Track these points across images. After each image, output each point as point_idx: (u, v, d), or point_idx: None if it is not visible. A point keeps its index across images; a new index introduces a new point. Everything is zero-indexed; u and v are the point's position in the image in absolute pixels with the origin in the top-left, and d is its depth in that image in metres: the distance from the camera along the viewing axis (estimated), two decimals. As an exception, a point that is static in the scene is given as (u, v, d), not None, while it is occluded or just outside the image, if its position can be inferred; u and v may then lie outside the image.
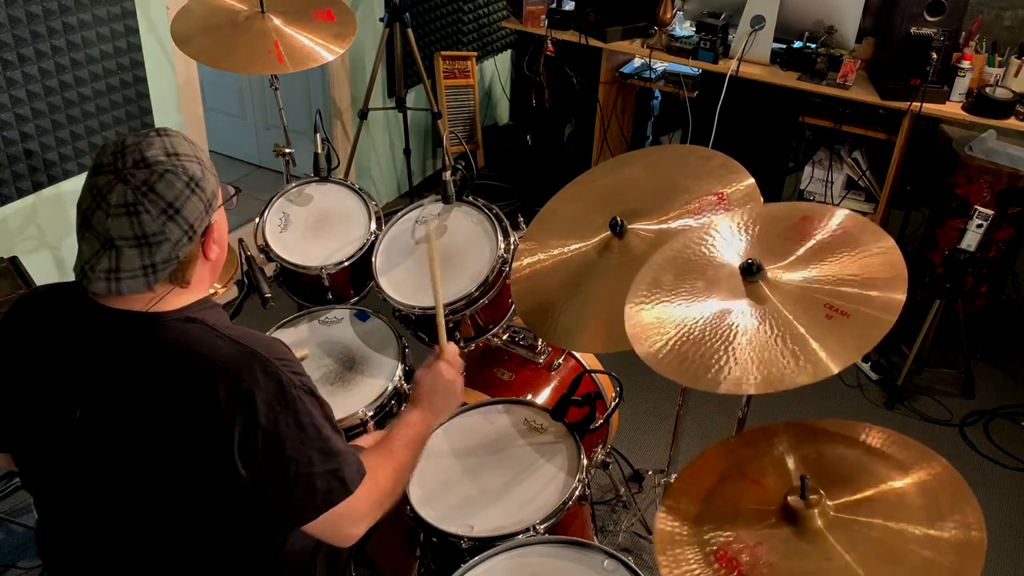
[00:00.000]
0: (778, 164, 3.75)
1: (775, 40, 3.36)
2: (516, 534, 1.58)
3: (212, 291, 2.32)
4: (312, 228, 2.29)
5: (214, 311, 1.31)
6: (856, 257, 1.48)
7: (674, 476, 2.03)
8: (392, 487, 1.41)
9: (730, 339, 1.43)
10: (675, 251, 1.65)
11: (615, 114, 3.98)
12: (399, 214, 2.24)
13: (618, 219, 1.83)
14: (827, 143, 3.60)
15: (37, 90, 2.49)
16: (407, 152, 3.89)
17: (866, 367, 3.21)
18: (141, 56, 2.77)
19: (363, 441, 1.78)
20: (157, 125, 2.87)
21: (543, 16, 3.87)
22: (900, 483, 1.37)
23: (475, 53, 4.25)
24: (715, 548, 1.33)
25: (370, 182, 4.13)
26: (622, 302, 1.58)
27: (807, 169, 3.62)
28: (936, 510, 1.30)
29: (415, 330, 2.15)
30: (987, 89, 3.05)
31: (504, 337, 2.29)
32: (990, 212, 2.82)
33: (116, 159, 1.19)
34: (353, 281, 2.29)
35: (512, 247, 2.07)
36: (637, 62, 3.97)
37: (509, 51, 4.70)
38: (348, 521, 1.32)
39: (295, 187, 2.37)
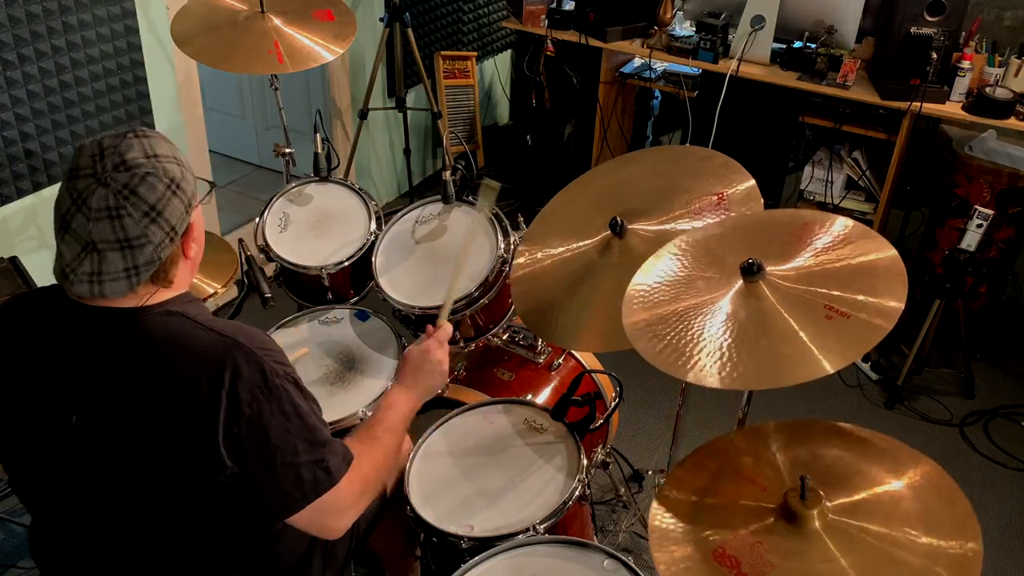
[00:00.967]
0: (778, 164, 3.75)
1: (775, 40, 3.36)
2: (516, 534, 1.58)
3: (212, 291, 2.33)
4: (312, 228, 2.29)
5: (195, 304, 1.31)
6: (857, 262, 1.48)
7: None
8: (376, 476, 1.42)
9: (728, 336, 1.43)
10: (677, 250, 1.65)
11: (615, 114, 3.98)
12: (399, 214, 2.24)
13: (618, 219, 1.83)
14: (827, 143, 3.60)
15: (37, 90, 2.49)
16: (407, 152, 3.89)
17: (866, 367, 3.21)
18: (141, 56, 2.77)
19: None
20: (157, 125, 2.88)
21: (543, 16, 3.87)
22: (896, 488, 1.37)
23: (475, 53, 4.25)
24: (713, 547, 1.33)
25: (370, 182, 4.13)
26: (622, 302, 1.58)
27: (807, 169, 3.62)
28: (934, 520, 1.30)
29: (415, 330, 2.15)
30: (987, 89, 3.05)
31: (504, 337, 2.29)
32: (990, 212, 2.82)
33: (95, 162, 1.18)
34: (353, 281, 2.29)
35: (512, 247, 2.07)
36: (637, 62, 3.97)
37: (509, 51, 4.70)
38: (333, 512, 1.32)
39: (295, 187, 2.37)
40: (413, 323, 2.12)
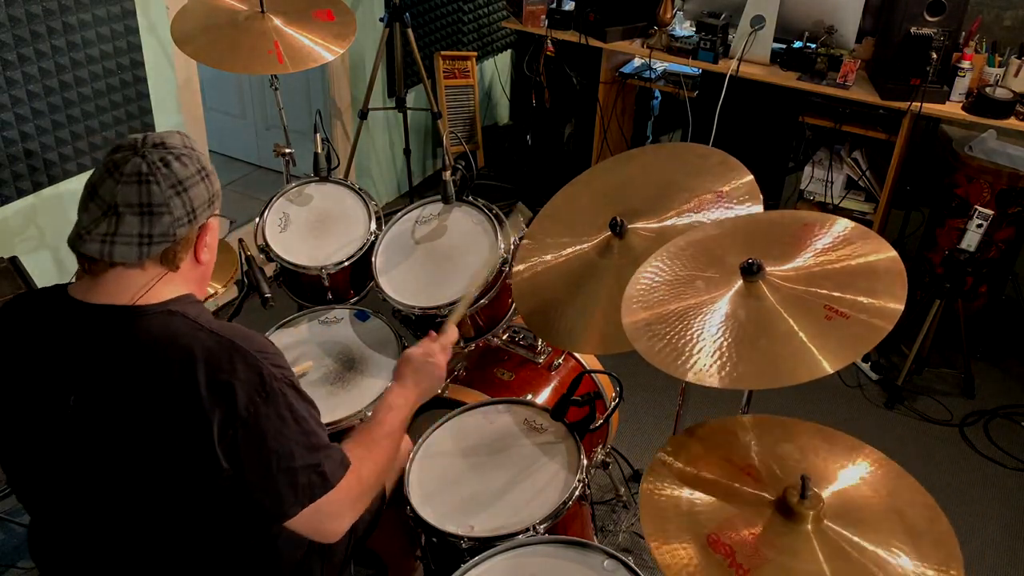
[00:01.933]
0: (778, 164, 3.75)
1: (775, 40, 3.36)
2: (516, 534, 1.58)
3: (212, 291, 2.33)
4: (312, 228, 2.29)
5: (196, 305, 1.31)
6: (857, 263, 1.48)
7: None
8: (375, 481, 1.42)
9: (728, 336, 1.43)
10: (677, 248, 1.65)
11: (615, 114, 3.98)
12: (399, 214, 2.24)
13: (618, 219, 1.83)
14: (827, 143, 3.60)
15: (37, 90, 2.49)
16: (407, 152, 3.89)
17: (866, 367, 3.21)
18: (141, 56, 2.77)
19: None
20: (157, 125, 2.88)
21: (543, 16, 3.87)
22: (880, 503, 1.38)
23: (475, 53, 4.25)
24: (707, 532, 1.33)
25: (370, 182, 4.13)
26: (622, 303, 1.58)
27: (807, 169, 3.62)
28: (917, 542, 1.31)
29: (415, 330, 2.15)
30: (987, 89, 3.05)
31: (504, 337, 2.29)
32: (990, 212, 2.82)
33: (136, 141, 1.26)
34: (353, 281, 2.29)
35: (512, 247, 2.07)
36: (637, 62, 3.97)
37: (509, 51, 4.70)
38: (329, 516, 1.32)
39: (295, 187, 2.37)
40: (413, 323, 2.12)
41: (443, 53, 4.12)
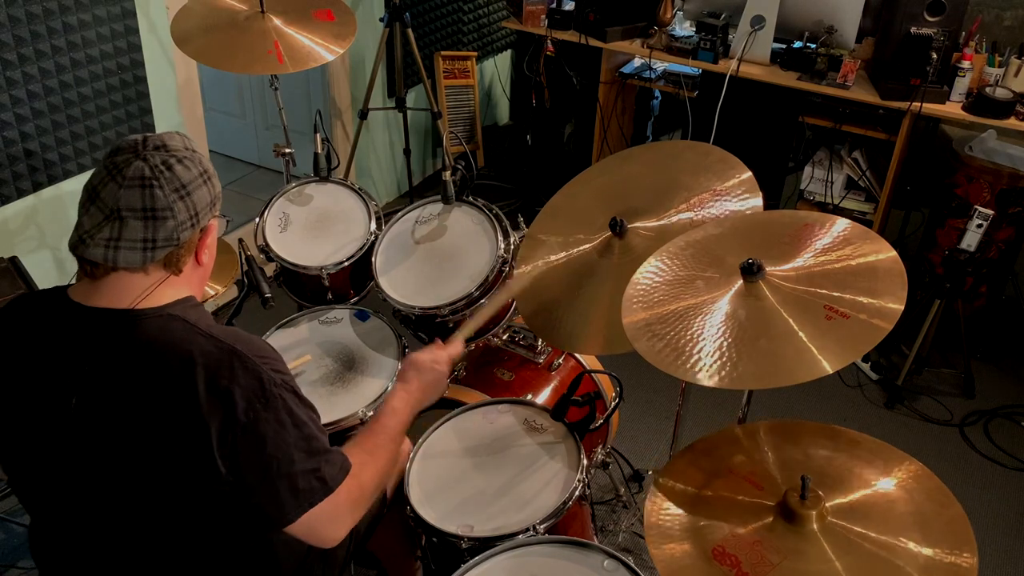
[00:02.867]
0: (778, 164, 3.75)
1: (775, 40, 3.36)
2: (516, 534, 1.58)
3: (212, 292, 2.33)
4: (312, 228, 2.29)
5: (196, 309, 1.31)
6: (857, 263, 1.48)
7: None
8: (375, 486, 1.41)
9: (728, 336, 1.43)
10: (677, 248, 1.65)
11: (615, 114, 3.98)
12: (399, 214, 2.24)
13: (618, 219, 1.83)
14: (827, 143, 3.60)
15: (37, 90, 2.49)
16: (407, 152, 3.89)
17: (866, 367, 3.21)
18: (141, 56, 2.77)
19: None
20: (157, 125, 2.88)
21: (543, 16, 3.87)
22: (887, 490, 1.37)
23: (475, 53, 4.25)
24: (712, 545, 1.33)
25: (370, 182, 4.13)
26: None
27: (807, 169, 3.62)
28: (927, 525, 1.30)
29: (415, 330, 2.15)
30: (987, 89, 3.05)
31: (504, 337, 2.29)
32: (990, 212, 2.82)
33: (137, 143, 1.24)
34: (353, 281, 2.29)
35: (512, 247, 2.07)
36: (637, 62, 3.97)
37: (509, 51, 4.70)
38: (329, 521, 1.32)
39: (295, 187, 2.37)
40: (413, 323, 2.12)
41: (443, 53, 4.12)
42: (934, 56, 2.95)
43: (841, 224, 1.58)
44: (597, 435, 2.12)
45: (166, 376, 1.20)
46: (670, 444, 2.16)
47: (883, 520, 1.32)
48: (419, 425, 1.88)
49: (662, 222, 1.84)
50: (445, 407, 1.95)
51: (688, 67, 3.62)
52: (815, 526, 1.31)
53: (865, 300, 1.41)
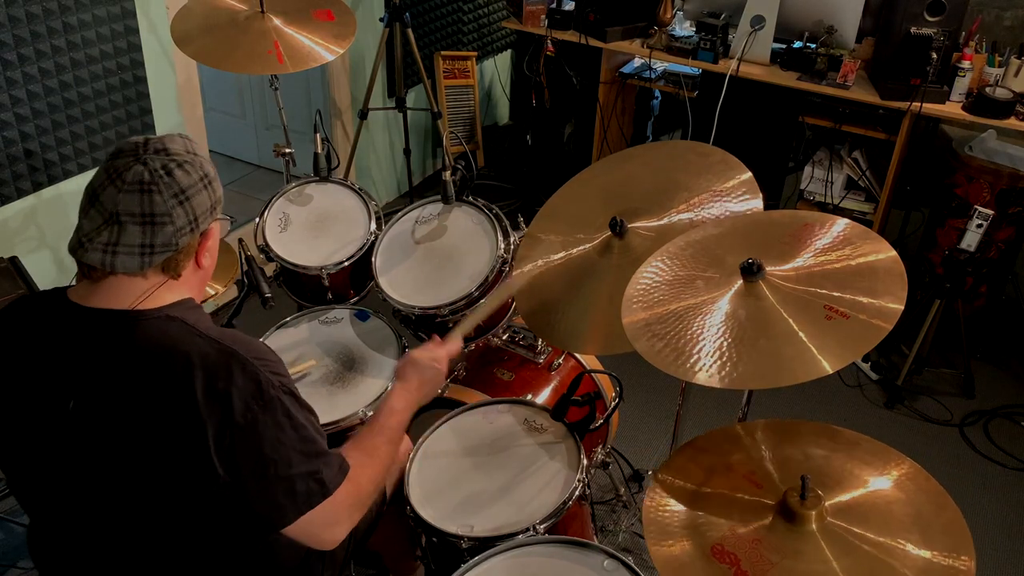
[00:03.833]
0: (778, 164, 3.75)
1: (775, 40, 3.36)
2: (516, 534, 1.58)
3: (212, 292, 2.33)
4: (312, 228, 2.29)
5: (195, 311, 1.31)
6: (857, 263, 1.48)
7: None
8: (373, 488, 1.41)
9: (728, 336, 1.43)
10: (677, 248, 1.65)
11: (615, 114, 3.98)
12: (399, 214, 2.24)
13: (618, 219, 1.83)
14: (827, 143, 3.60)
15: (37, 90, 2.49)
16: (407, 152, 3.89)
17: (866, 367, 3.21)
18: (141, 56, 2.77)
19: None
20: (157, 125, 2.88)
21: (543, 16, 3.87)
22: (885, 490, 1.37)
23: (475, 53, 4.25)
24: (711, 543, 1.33)
25: (370, 182, 4.13)
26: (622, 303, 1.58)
27: (807, 169, 3.62)
28: (925, 527, 1.31)
29: (415, 330, 2.15)
30: (987, 89, 3.05)
31: (504, 337, 2.29)
32: (990, 212, 2.82)
33: (137, 146, 1.24)
34: (353, 281, 2.29)
35: (512, 247, 2.07)
36: (637, 62, 3.97)
37: (509, 51, 4.70)
38: (327, 524, 1.31)
39: (295, 187, 2.37)
40: (413, 323, 2.12)
41: (443, 53, 4.12)
42: (934, 56, 2.95)
43: (841, 224, 1.58)
44: (597, 435, 2.12)
45: (164, 377, 1.20)
46: (670, 444, 2.16)
47: (882, 521, 1.32)
48: (419, 425, 1.88)
49: (662, 222, 1.84)
50: (445, 407, 1.95)
51: (688, 67, 3.62)
52: (814, 526, 1.31)
53: (865, 300, 1.41)
